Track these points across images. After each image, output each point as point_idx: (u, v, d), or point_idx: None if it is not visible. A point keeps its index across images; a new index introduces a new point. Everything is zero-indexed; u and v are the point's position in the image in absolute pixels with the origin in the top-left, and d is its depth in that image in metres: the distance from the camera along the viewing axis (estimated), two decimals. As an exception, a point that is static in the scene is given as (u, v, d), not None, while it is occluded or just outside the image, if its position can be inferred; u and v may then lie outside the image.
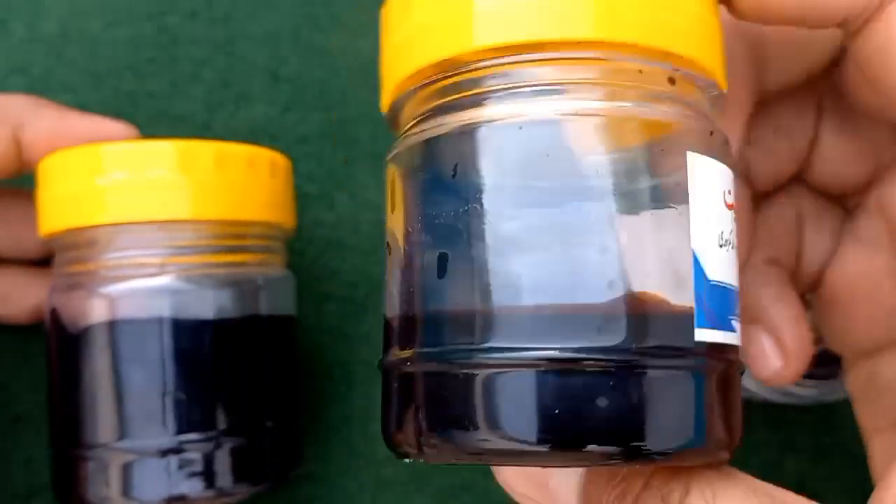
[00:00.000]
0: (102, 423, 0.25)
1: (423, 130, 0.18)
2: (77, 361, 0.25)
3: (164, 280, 0.25)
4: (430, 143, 0.18)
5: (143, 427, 0.25)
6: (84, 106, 0.34)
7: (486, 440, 0.17)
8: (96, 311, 0.25)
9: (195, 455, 0.25)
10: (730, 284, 0.18)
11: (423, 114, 0.19)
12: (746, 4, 0.19)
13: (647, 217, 0.17)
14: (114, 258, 0.25)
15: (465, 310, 0.17)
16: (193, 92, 0.35)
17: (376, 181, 0.35)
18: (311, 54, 0.36)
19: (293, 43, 0.36)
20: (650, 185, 0.17)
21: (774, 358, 0.23)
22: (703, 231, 0.18)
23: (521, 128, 0.17)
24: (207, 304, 0.25)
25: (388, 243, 0.19)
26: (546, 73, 0.17)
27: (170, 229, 0.25)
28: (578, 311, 0.16)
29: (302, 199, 0.34)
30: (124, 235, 0.25)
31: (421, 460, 0.18)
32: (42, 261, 0.31)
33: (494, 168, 0.17)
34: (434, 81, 0.18)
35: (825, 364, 0.29)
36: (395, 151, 0.20)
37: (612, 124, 0.17)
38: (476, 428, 0.17)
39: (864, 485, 0.32)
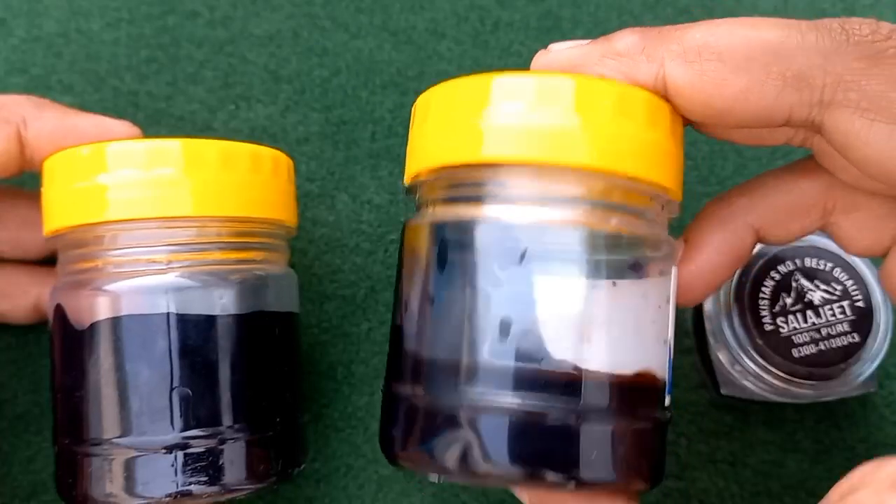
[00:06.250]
0: (107, 419, 0.25)
1: (446, 213, 0.23)
2: (82, 358, 0.25)
3: (168, 277, 0.25)
4: (445, 226, 0.22)
5: (149, 423, 0.25)
6: (84, 106, 0.35)
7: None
8: (101, 308, 0.25)
9: (200, 451, 0.25)
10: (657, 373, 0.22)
11: (443, 199, 0.23)
12: (697, 116, 0.22)
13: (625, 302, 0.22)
14: (119, 255, 0.25)
15: (457, 361, 0.21)
16: (194, 92, 0.35)
17: (376, 181, 0.35)
18: (312, 55, 0.36)
19: (293, 43, 0.36)
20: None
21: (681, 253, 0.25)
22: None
23: (501, 227, 0.21)
24: (212, 301, 0.25)
25: (404, 300, 0.23)
26: (523, 185, 0.22)
27: (174, 226, 0.25)
28: (546, 374, 0.21)
29: (302, 199, 0.34)
30: (129, 233, 0.25)
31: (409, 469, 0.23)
32: (41, 260, 0.31)
33: (477, 254, 0.22)
34: (451, 179, 0.23)
35: (825, 364, 0.29)
36: (416, 221, 0.24)
37: (574, 232, 0.21)
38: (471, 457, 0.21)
39: (864, 484, 0.32)
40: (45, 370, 0.32)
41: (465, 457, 0.21)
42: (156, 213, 0.25)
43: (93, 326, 0.25)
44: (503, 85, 0.21)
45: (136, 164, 0.25)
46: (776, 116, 0.21)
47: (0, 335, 0.32)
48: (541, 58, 0.23)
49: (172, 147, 0.25)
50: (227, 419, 0.25)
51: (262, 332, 0.27)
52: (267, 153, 0.27)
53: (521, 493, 0.24)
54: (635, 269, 0.22)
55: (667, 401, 0.23)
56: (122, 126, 0.28)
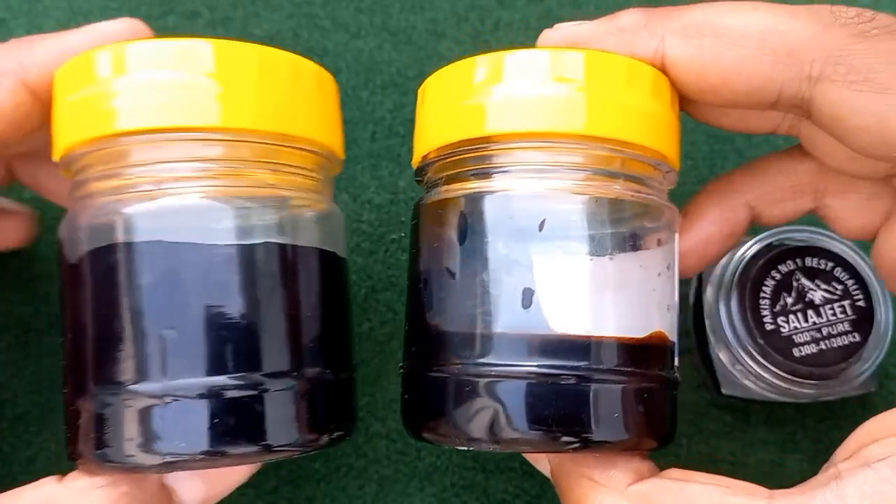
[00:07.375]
0: (122, 361, 0.21)
1: (461, 189, 0.23)
2: (94, 289, 0.21)
3: (192, 199, 0.21)
4: (462, 201, 0.23)
5: (171, 366, 0.21)
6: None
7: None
8: (118, 233, 0.21)
9: (234, 402, 0.21)
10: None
11: (456, 175, 0.23)
12: (692, 90, 0.23)
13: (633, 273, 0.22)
14: (136, 174, 0.22)
15: (480, 331, 0.22)
16: (194, 92, 0.35)
17: (376, 181, 0.35)
18: (312, 55, 0.36)
19: (293, 43, 0.36)
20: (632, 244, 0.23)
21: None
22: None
23: (518, 198, 0.22)
24: (242, 228, 0.21)
25: (423, 277, 0.23)
26: (536, 156, 0.22)
27: (202, 140, 0.21)
28: (563, 340, 0.22)
29: (302, 199, 0.34)
30: (148, 147, 0.21)
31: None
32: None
33: (495, 226, 0.22)
34: (460, 154, 0.23)
35: (825, 364, 0.29)
36: (431, 199, 0.24)
37: (590, 201, 0.22)
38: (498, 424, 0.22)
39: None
40: (45, 370, 0.32)
41: (492, 425, 0.21)
42: (178, 123, 0.21)
43: (105, 254, 0.21)
44: (513, 60, 0.22)
45: (154, 67, 0.21)
46: (767, 91, 0.22)
47: (0, 335, 0.32)
48: (548, 34, 0.24)
49: (202, 49, 0.21)
50: (267, 364, 0.21)
51: (302, 269, 0.23)
52: (309, 66, 0.23)
53: (542, 464, 0.25)
54: (632, 241, 0.23)
55: (675, 361, 0.24)
56: (122, 24, 0.24)
